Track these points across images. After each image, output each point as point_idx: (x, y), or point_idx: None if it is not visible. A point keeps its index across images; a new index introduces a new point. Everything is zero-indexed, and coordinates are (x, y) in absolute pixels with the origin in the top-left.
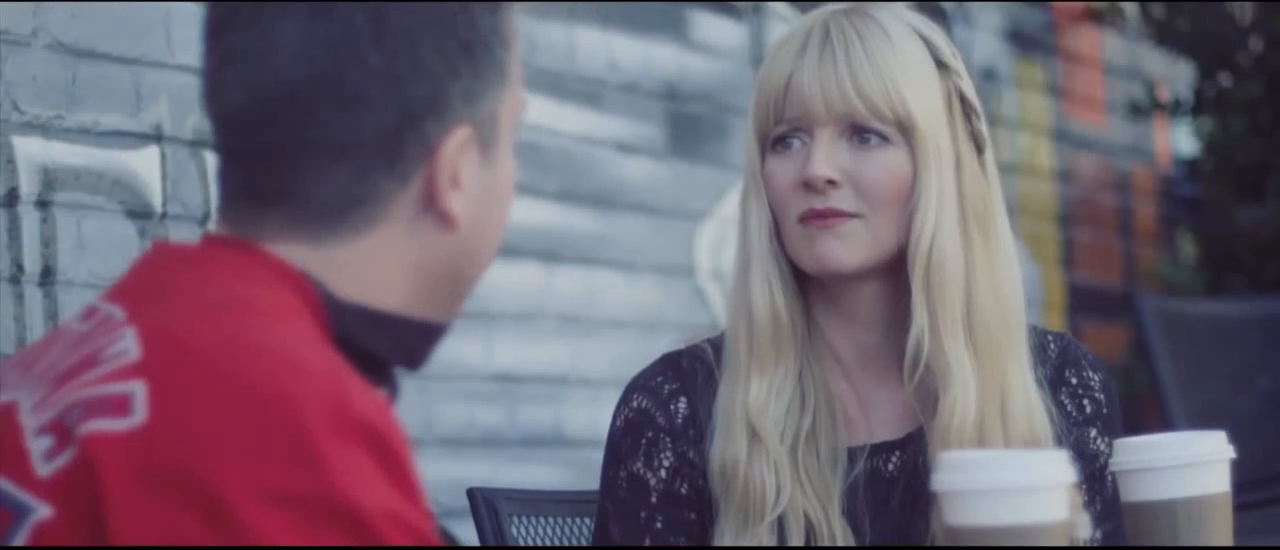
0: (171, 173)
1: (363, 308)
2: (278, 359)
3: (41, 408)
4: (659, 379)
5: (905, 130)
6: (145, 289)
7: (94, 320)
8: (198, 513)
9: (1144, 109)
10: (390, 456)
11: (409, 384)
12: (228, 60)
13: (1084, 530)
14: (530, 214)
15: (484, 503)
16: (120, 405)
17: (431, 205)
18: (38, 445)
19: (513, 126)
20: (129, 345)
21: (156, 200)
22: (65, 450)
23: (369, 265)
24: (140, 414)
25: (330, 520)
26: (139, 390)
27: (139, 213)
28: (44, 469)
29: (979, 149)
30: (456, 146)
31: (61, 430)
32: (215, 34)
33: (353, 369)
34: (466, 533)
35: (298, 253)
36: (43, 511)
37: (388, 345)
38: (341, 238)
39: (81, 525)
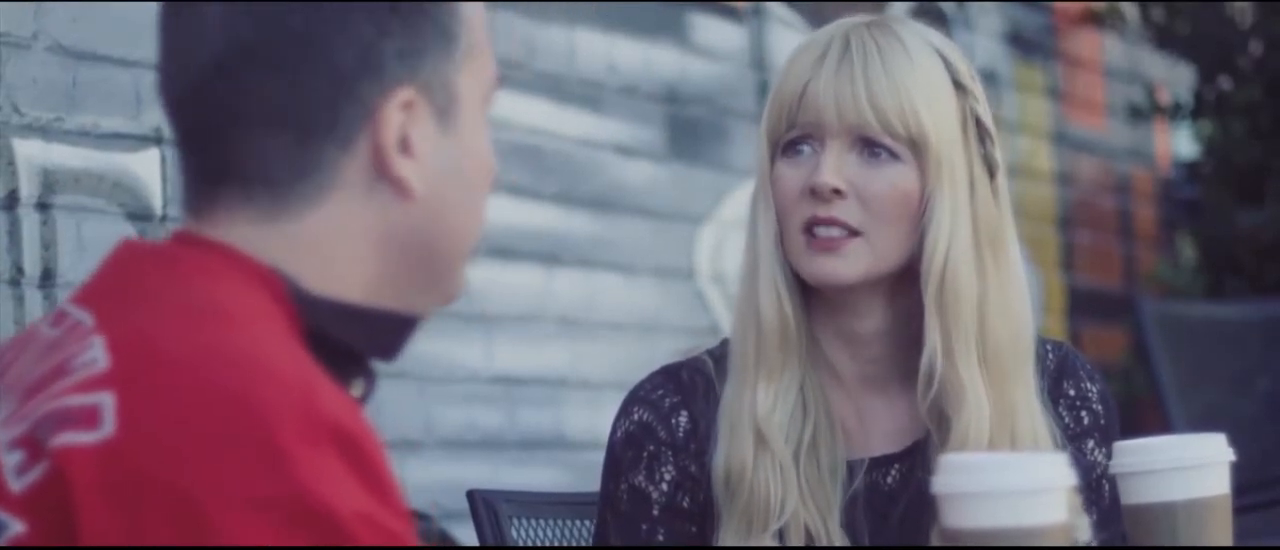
0: (171, 175)
1: (333, 301)
2: (246, 364)
3: (12, 422)
4: (660, 391)
5: (916, 147)
6: (113, 292)
7: (63, 326)
8: (169, 523)
9: (1144, 112)
10: (362, 458)
11: (409, 385)
12: (169, 49)
13: (1084, 533)
14: (530, 216)
15: (484, 505)
16: (89, 417)
17: (382, 173)
18: (10, 460)
19: (481, 100)
20: (97, 354)
21: (156, 202)
22: (37, 465)
23: (330, 240)
24: (109, 426)
25: (302, 524)
26: (108, 401)
27: (139, 215)
28: (16, 484)
29: (991, 173)
30: (399, 109)
31: (33, 444)
32: (161, 27)
33: (323, 370)
34: (466, 535)
35: (257, 233)
36: (16, 528)
37: (361, 337)
38: (295, 211)
39: (55, 540)
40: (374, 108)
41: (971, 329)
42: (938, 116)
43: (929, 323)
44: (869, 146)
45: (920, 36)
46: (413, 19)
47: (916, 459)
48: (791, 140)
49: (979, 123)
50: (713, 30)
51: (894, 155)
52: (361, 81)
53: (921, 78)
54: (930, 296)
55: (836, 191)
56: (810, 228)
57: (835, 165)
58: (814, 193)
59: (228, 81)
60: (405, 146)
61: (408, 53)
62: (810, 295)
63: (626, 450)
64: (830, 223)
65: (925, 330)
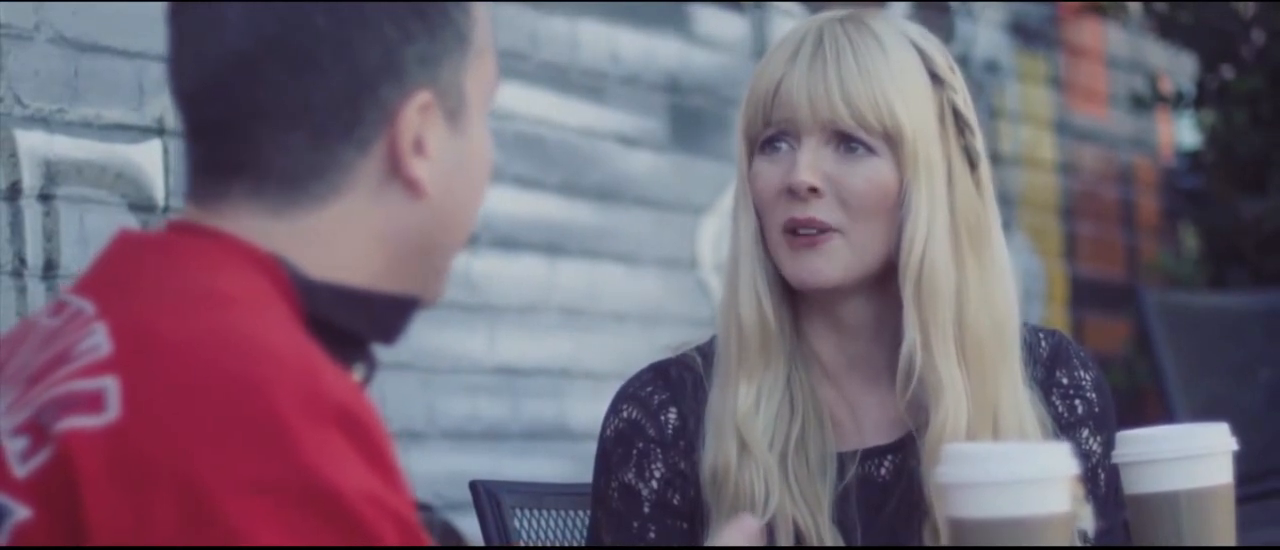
0: (174, 166)
1: (333, 285)
2: (248, 347)
3: (15, 408)
4: (649, 389)
5: (892, 142)
6: (113, 281)
7: (63, 315)
8: (175, 506)
9: (1146, 102)
10: (366, 439)
11: (412, 376)
12: (184, 40)
13: (1088, 523)
14: (533, 207)
15: (487, 496)
16: (94, 401)
17: (396, 173)
18: (14, 446)
19: (484, 99)
20: (100, 340)
21: (159, 194)
22: (41, 450)
23: (337, 235)
24: (114, 410)
25: (308, 504)
26: (112, 385)
27: (141, 206)
28: (21, 470)
29: (972, 164)
30: (417, 112)
31: (37, 430)
32: (174, 18)
33: (325, 352)
34: (469, 525)
35: (263, 226)
36: (21, 513)
37: (361, 321)
38: (305, 208)
39: (61, 524)
40: (394, 110)
41: (949, 321)
42: (913, 109)
43: (907, 316)
44: (845, 141)
45: (895, 30)
46: (435, 23)
47: (909, 450)
48: (768, 138)
49: (957, 115)
50: (715, 21)
51: (870, 150)
52: (383, 84)
53: (896, 71)
54: (908, 290)
55: (813, 190)
56: (790, 228)
57: (811, 162)
58: (791, 192)
59: (248, 77)
60: (419, 147)
61: (428, 57)
62: (795, 291)
63: (616, 448)
64: (809, 224)
65: (903, 324)
